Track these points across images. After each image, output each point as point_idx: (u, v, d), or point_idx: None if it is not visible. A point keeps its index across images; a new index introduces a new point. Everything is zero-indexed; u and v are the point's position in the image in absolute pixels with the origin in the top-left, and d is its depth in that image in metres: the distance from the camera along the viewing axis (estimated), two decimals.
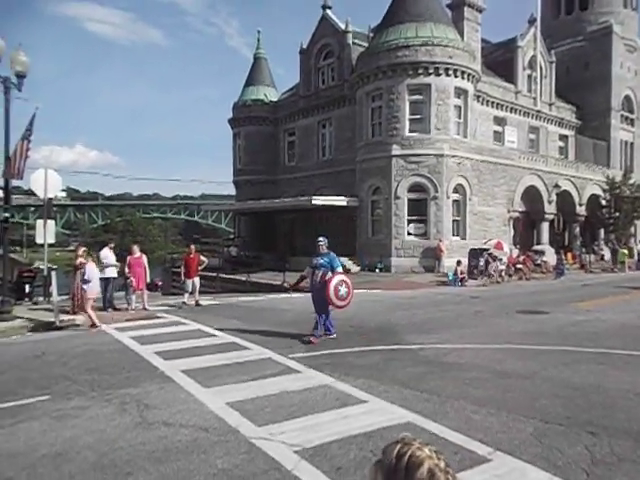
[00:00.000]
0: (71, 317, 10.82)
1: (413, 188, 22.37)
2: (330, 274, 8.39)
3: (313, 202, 22.97)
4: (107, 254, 12.70)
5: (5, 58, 11.62)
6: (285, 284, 18.54)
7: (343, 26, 27.39)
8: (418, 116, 22.27)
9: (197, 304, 13.32)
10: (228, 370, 6.53)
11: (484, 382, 5.87)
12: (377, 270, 21.99)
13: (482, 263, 19.48)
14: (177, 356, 7.20)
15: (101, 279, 12.23)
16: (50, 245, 14.82)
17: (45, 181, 13.84)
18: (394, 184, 22.28)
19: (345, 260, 23.25)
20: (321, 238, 8.74)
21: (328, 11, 28.64)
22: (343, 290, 8.38)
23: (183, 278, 13.57)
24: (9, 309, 10.81)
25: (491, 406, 4.99)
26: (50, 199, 14.35)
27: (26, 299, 13.58)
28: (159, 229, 73.55)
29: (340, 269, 8.68)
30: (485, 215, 24.77)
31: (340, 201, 23.92)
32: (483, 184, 24.69)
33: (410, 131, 22.30)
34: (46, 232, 13.56)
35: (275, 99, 32.65)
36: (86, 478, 3.60)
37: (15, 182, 13.31)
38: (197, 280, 13.63)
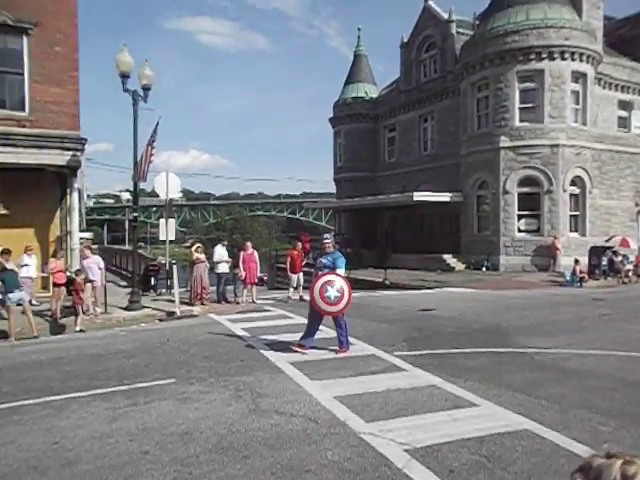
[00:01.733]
0: (189, 308, 11.75)
1: (524, 182, 21.01)
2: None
3: (415, 198, 22.55)
4: (220, 251, 13.58)
5: (132, 73, 12.96)
6: (386, 281, 18.47)
7: (446, 16, 26.48)
8: (529, 105, 20.86)
9: (301, 299, 13.74)
10: (333, 364, 6.66)
11: (611, 392, 5.35)
12: (484, 269, 21.01)
13: (605, 262, 17.76)
14: (285, 348, 7.49)
15: (215, 274, 13.15)
16: (170, 242, 16.24)
17: (166, 183, 15.17)
18: (502, 178, 21.10)
19: (449, 257, 22.55)
20: (326, 235, 7.91)
21: (430, 2, 27.86)
22: (332, 292, 6.97)
23: (289, 273, 14.07)
24: (138, 299, 12.02)
25: (622, 419, 4.54)
26: (171, 200, 15.70)
27: (151, 290, 15.00)
28: (264, 226, 77.04)
29: (342, 270, 7.43)
30: (608, 209, 22.53)
31: (443, 197, 23.21)
32: (606, 175, 22.47)
33: (520, 121, 20.96)
34: (168, 230, 14.86)
35: (375, 95, 32.53)
36: (209, 457, 3.89)
37: (140, 185, 14.76)
38: (301, 276, 14.06)
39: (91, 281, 11.20)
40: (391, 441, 4.11)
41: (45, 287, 13.22)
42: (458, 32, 25.97)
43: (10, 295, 9.39)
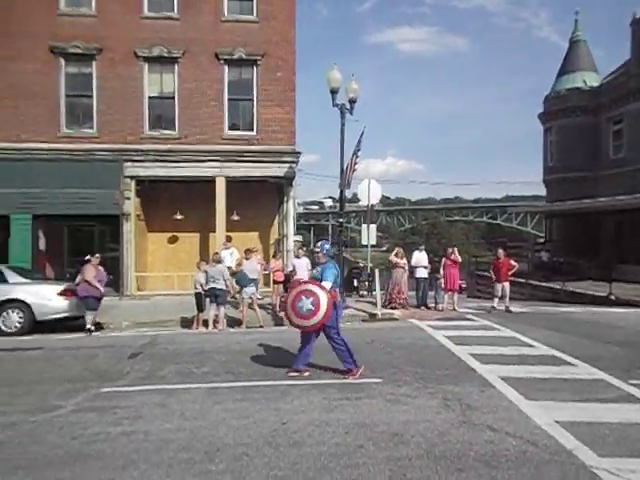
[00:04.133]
0: (390, 311, 12.02)
1: None
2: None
3: None
4: (418, 256, 13.57)
5: (338, 87, 13.86)
6: (611, 296, 15.99)
7: None
8: None
9: (507, 310, 12.84)
10: (551, 385, 6.02)
11: None
12: None
13: None
14: (493, 361, 7.07)
15: (414, 278, 13.20)
16: (367, 246, 16.88)
17: (368, 190, 15.82)
18: None
19: None
20: (319, 244, 7.03)
21: None
22: (305, 304, 6.11)
23: (493, 282, 13.30)
24: (344, 299, 12.77)
25: None
26: (372, 206, 16.31)
27: (354, 292, 15.82)
28: (461, 232, 74.48)
29: (328, 283, 6.34)
30: None
31: None
32: None
33: None
34: (369, 235, 15.48)
35: (596, 84, 28.56)
36: (422, 463, 3.88)
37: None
38: (507, 285, 13.15)
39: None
40: None
41: (266, 284, 15.09)
42: None
43: (246, 289, 11.04)
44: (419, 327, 10.35)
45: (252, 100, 16.81)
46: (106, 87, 15.97)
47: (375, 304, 12.54)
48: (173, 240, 17.57)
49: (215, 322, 10.84)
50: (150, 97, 16.40)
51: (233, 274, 11.73)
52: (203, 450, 4.10)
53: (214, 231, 16.40)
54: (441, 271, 12.87)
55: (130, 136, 16.03)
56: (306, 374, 6.46)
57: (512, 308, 13.08)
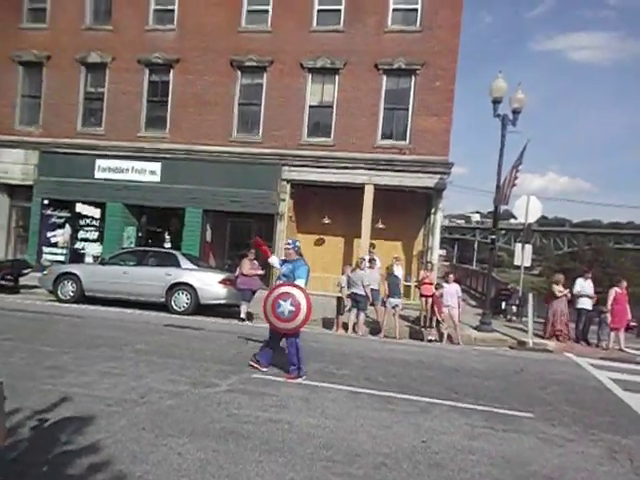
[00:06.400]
0: (543, 341, 10.97)
1: None
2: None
3: None
4: (583, 284, 12.15)
5: (502, 96, 13.07)
6: None
7: None
8: None
9: None
10: None
11: None
12: None
13: None
14: None
15: (575, 309, 11.88)
16: (516, 267, 15.61)
17: (527, 207, 14.67)
18: None
19: None
20: (289, 241, 6.81)
21: None
22: (285, 307, 6.17)
23: None
24: (489, 321, 12.03)
25: None
26: (530, 224, 15.11)
27: (501, 315, 14.77)
28: (632, 262, 65.07)
29: (302, 281, 6.35)
30: None
31: None
32: None
33: None
34: (524, 255, 14.35)
35: None
36: None
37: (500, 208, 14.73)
38: None
39: (447, 306, 11.00)
40: None
41: (406, 295, 14.88)
42: None
43: (391, 299, 11.03)
44: (577, 363, 9.26)
45: (407, 109, 16.77)
46: (273, 96, 17.30)
47: (525, 331, 11.55)
48: (320, 242, 18.30)
49: (355, 326, 11.00)
50: (311, 106, 17.33)
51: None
52: (343, 451, 4.15)
53: (359, 237, 16.70)
54: (608, 304, 11.35)
55: (290, 142, 17.12)
56: (264, 369, 6.53)
57: None
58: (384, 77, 16.84)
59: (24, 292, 13.65)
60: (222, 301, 11.98)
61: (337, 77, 17.10)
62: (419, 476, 3.81)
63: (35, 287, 13.51)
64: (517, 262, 14.55)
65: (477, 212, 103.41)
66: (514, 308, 14.72)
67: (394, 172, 16.41)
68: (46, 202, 18.48)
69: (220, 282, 11.95)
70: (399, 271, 12.97)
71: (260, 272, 12.07)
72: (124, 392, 5.27)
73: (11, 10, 18.83)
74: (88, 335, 8.29)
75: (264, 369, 6.57)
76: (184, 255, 13.02)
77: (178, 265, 12.27)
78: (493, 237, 13.10)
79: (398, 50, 16.51)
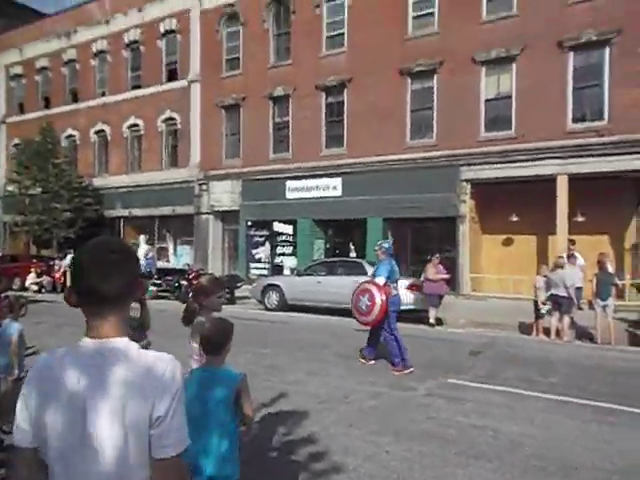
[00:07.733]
0: None
1: None
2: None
3: None
4: None
5: None
6: None
7: None
8: None
9: None
10: None
11: None
12: None
13: None
14: None
15: None
16: None
17: None
18: None
19: None
20: (379, 242, 7.52)
21: None
22: (363, 302, 6.77)
23: None
24: None
25: None
26: None
27: None
28: None
29: (381, 279, 6.76)
30: None
31: None
32: None
33: None
34: None
35: None
36: None
37: None
38: None
39: None
40: None
41: (620, 296, 12.98)
42: None
43: (599, 300, 9.78)
44: None
45: (602, 85, 14.78)
46: (444, 97, 16.96)
47: None
48: (508, 242, 17.20)
49: (558, 331, 10.05)
50: (486, 100, 16.51)
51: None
52: (558, 463, 3.88)
53: (553, 233, 15.20)
54: None
55: (466, 141, 16.54)
56: (370, 363, 7.00)
57: None
58: (570, 54, 15.13)
59: (239, 302, 15.82)
60: (410, 307, 12.13)
61: (514, 65, 15.98)
62: None
63: (246, 297, 15.57)
64: None
65: None
66: None
67: (591, 157, 14.57)
68: (249, 224, 21.20)
69: (407, 288, 12.13)
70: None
71: (446, 276, 11.91)
72: (330, 391, 5.77)
73: (214, 63, 22.28)
74: (293, 338, 9.26)
75: (370, 362, 7.08)
76: (369, 263, 13.57)
77: (365, 273, 12.84)
78: None
79: (585, 22, 14.71)
